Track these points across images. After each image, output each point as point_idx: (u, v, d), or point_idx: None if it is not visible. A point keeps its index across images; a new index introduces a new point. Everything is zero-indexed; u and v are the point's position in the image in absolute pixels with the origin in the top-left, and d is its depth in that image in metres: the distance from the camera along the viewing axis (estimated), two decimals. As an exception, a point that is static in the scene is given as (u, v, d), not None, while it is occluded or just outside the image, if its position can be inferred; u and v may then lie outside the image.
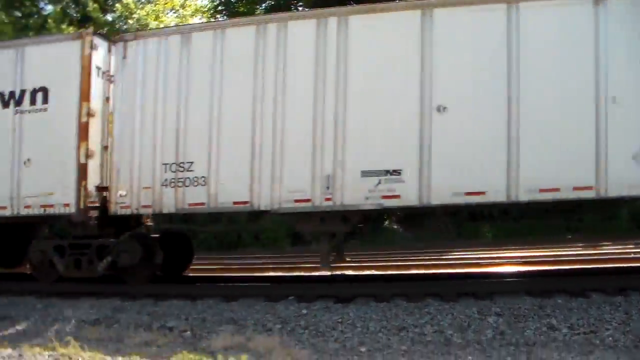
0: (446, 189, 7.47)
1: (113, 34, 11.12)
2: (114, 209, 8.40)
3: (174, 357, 5.24)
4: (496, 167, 7.33)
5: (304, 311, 6.91)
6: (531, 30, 7.26)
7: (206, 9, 22.49)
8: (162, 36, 8.58)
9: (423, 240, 14.70)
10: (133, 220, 8.88)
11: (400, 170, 7.59)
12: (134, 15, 20.44)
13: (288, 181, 7.88)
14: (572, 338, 5.58)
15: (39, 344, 5.91)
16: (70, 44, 8.65)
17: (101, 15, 20.77)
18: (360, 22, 7.87)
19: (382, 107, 7.72)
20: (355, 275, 9.67)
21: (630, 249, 11.26)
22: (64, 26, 19.48)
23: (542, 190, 7.22)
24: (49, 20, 20.25)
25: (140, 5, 21.89)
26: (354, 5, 12.83)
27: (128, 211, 8.36)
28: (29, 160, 8.65)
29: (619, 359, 5.11)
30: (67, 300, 8.11)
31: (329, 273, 8.73)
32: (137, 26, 18.48)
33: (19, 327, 7.15)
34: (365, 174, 7.68)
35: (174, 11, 22.43)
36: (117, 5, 21.33)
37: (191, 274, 10.00)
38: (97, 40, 8.72)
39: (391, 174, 7.62)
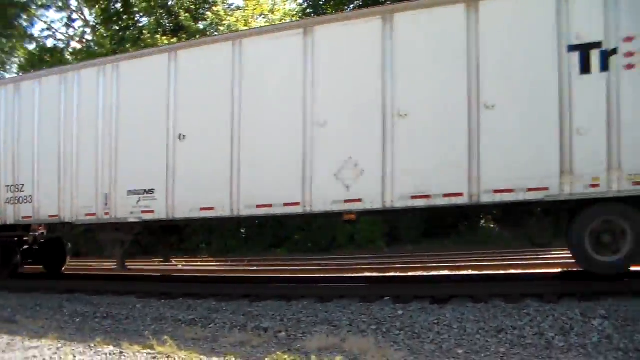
0: (186, 205, 9.02)
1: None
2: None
3: (268, 357, 5.18)
4: (223, 186, 8.70)
5: (400, 312, 6.80)
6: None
7: (295, 12, 22.71)
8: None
9: (520, 240, 14.15)
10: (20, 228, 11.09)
11: (154, 189, 9.32)
12: (225, 22, 20.87)
13: (81, 198, 10.03)
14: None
15: (138, 342, 6.05)
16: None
17: (193, 24, 21.26)
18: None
19: (143, 136, 9.51)
20: (450, 276, 9.47)
21: None
22: (157, 37, 20.23)
23: (259, 206, 8.55)
24: (144, 32, 21.14)
25: (230, 12, 22.44)
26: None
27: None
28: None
29: None
30: (165, 301, 8.54)
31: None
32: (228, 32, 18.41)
33: (120, 326, 7.40)
34: (130, 192, 9.54)
35: (263, 16, 22.65)
36: (208, 13, 22.00)
37: (285, 275, 10.28)
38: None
39: (147, 193, 9.38)
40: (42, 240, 11.55)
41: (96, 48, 22.15)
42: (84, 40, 26.45)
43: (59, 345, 6.08)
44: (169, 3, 22.67)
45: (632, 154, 7.03)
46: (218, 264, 15.23)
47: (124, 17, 23.91)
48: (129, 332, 6.99)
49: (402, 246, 14.57)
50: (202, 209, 8.95)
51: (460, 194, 7.64)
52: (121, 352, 5.65)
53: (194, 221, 10.08)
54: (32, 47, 27.22)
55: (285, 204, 8.40)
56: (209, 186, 8.87)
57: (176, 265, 13.35)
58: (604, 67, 7.23)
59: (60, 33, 27.20)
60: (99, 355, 5.66)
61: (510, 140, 7.51)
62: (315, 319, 6.89)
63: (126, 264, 10.45)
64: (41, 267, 12.33)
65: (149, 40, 19.40)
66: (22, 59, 27.08)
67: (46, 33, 27.16)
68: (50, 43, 26.91)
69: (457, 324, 6.18)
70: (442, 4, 7.97)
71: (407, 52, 8.04)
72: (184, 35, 20.11)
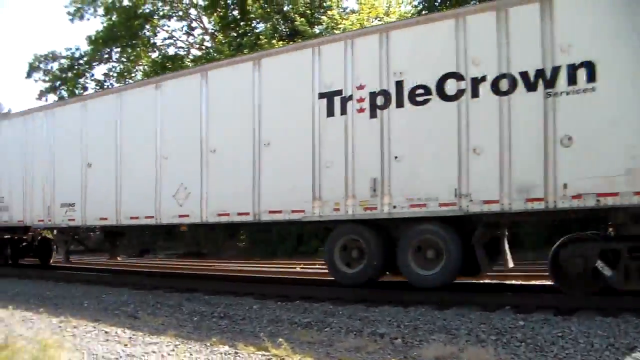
0: (91, 215, 12.24)
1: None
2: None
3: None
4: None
5: (521, 322, 6.53)
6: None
7: (410, 14, 22.38)
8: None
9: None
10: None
11: (74, 203, 12.50)
12: (340, 26, 20.80)
13: (37, 209, 13.36)
14: None
15: (253, 343, 6.08)
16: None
17: (309, 29, 21.38)
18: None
19: (70, 164, 12.64)
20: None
21: None
22: (274, 42, 20.63)
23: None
24: (261, 37, 21.62)
25: (345, 16, 22.56)
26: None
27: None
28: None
29: None
30: (282, 303, 8.62)
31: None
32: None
33: (236, 326, 7.40)
34: (62, 205, 12.79)
35: (378, 19, 22.48)
36: (323, 17, 22.22)
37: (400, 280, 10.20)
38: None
39: (70, 206, 12.58)
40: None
41: (215, 54, 22.87)
42: (204, 47, 27.62)
43: (177, 343, 6.26)
44: (285, 9, 23.06)
45: (361, 186, 8.63)
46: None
47: (241, 23, 24.68)
48: (245, 332, 7.05)
49: (523, 253, 13.86)
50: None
51: (248, 213, 9.68)
52: (236, 353, 5.72)
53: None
54: (155, 55, 28.65)
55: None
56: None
57: (295, 268, 13.81)
58: (343, 111, 8.83)
59: (181, 41, 28.65)
60: (214, 355, 5.74)
61: (280, 171, 9.43)
62: (432, 326, 6.74)
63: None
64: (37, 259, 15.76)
65: (266, 46, 19.87)
66: (146, 67, 28.26)
67: (168, 42, 28.71)
68: (171, 51, 28.34)
69: (583, 339, 5.81)
70: (239, 62, 10.48)
71: (217, 100, 10.28)
72: (299, 40, 20.49)
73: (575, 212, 7.49)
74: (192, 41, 28.74)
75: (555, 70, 7.31)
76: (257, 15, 23.80)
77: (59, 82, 29.19)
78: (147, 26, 27.65)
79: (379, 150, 8.50)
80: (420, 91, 8.22)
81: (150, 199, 11.03)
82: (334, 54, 8.97)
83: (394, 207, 8.38)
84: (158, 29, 28.33)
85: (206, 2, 25.88)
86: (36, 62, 29.71)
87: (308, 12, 22.74)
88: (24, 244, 15.06)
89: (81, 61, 29.23)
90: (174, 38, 28.63)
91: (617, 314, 6.50)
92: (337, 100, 8.90)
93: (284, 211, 9.37)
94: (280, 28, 22.73)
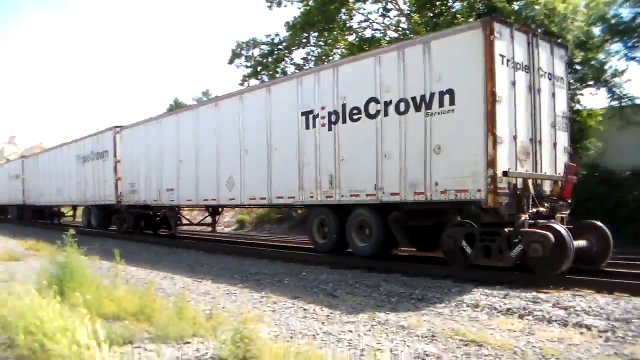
0: (183, 197, 16.96)
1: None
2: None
3: None
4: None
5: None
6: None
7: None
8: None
9: None
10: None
11: (173, 188, 17.11)
12: (540, 1, 18.13)
13: (154, 192, 18.40)
14: None
15: (451, 327, 6.08)
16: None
17: (507, 6, 19.29)
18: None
19: (170, 161, 17.44)
20: None
21: None
22: (471, 20, 18.68)
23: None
24: (458, 16, 20.73)
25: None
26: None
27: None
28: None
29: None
30: (482, 288, 8.39)
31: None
32: (545, 12, 16.79)
33: (434, 309, 7.33)
34: (167, 190, 17.48)
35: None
36: None
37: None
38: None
39: (171, 190, 17.30)
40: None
41: (412, 36, 21.84)
42: (400, 29, 26.71)
43: (374, 324, 6.37)
44: (482, -14, 21.22)
45: (325, 180, 11.90)
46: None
47: (437, 3, 23.78)
48: (443, 316, 6.94)
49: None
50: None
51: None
52: (433, 337, 5.78)
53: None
54: (351, 38, 28.18)
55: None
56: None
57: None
58: (314, 125, 12.18)
59: (377, 23, 27.69)
60: (410, 337, 5.77)
61: (282, 169, 12.99)
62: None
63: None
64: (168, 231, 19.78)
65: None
66: (343, 50, 28.01)
67: (364, 24, 27.86)
68: (368, 34, 27.58)
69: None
70: (256, 89, 15.13)
71: (249, 115, 14.15)
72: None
73: (443, 204, 9.82)
74: (388, 23, 27.70)
75: (432, 95, 9.72)
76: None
77: (260, 68, 29.99)
78: (343, 10, 27.22)
79: (334, 154, 11.61)
80: (355, 111, 11.14)
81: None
82: (309, 83, 12.22)
83: (342, 196, 11.47)
84: (354, 12, 27.70)
85: (401, -16, 24.68)
86: (238, 49, 30.39)
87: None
88: (157, 219, 19.86)
89: (280, 47, 29.67)
90: (370, 21, 27.77)
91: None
92: (311, 117, 12.18)
93: (285, 197, 13.01)
94: (477, 6, 21.31)
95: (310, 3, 27.21)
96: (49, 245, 14.35)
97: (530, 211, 9.11)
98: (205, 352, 5.14)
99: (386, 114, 10.54)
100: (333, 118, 11.63)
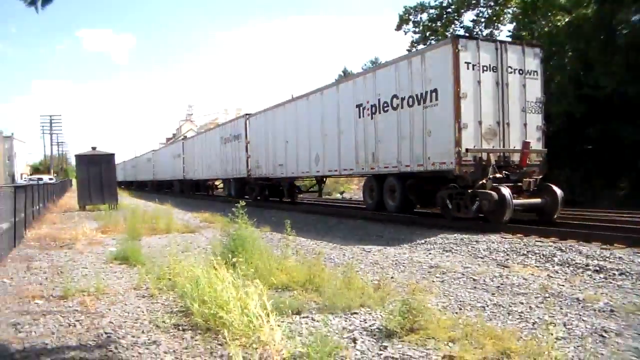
0: (289, 170, 22.09)
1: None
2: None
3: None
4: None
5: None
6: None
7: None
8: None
9: None
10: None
11: (282, 164, 22.26)
12: None
13: (270, 167, 24.03)
14: None
15: (631, 302, 5.82)
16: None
17: None
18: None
19: (279, 142, 23.75)
20: None
21: None
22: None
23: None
24: None
25: None
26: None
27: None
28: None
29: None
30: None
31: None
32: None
33: (613, 282, 6.91)
34: (279, 165, 22.46)
35: None
36: None
37: None
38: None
39: (280, 165, 22.40)
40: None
41: None
42: None
43: (546, 295, 6.18)
44: None
45: (381, 156, 15.35)
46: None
47: None
48: (623, 289, 6.49)
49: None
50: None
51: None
52: (612, 311, 5.54)
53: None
54: None
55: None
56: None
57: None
58: (363, 115, 16.06)
59: None
60: (587, 310, 5.60)
61: (346, 148, 17.21)
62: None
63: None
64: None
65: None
66: (515, 9, 26.93)
67: None
68: None
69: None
70: (310, 94, 20.15)
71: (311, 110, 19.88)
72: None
73: (434, 172, 13.26)
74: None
75: (426, 93, 13.27)
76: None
77: (428, 33, 29.39)
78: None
79: (374, 137, 15.55)
80: (385, 104, 14.97)
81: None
82: (360, 83, 16.32)
83: (379, 167, 15.45)
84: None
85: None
86: (406, 14, 30.01)
87: None
88: (280, 188, 24.23)
89: (449, 10, 29.05)
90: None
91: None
92: (360, 109, 16.27)
93: (347, 169, 17.34)
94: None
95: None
96: (222, 217, 16.22)
97: (489, 177, 12.26)
98: (372, 323, 5.18)
99: (402, 107, 14.24)
100: (373, 109, 15.54)
